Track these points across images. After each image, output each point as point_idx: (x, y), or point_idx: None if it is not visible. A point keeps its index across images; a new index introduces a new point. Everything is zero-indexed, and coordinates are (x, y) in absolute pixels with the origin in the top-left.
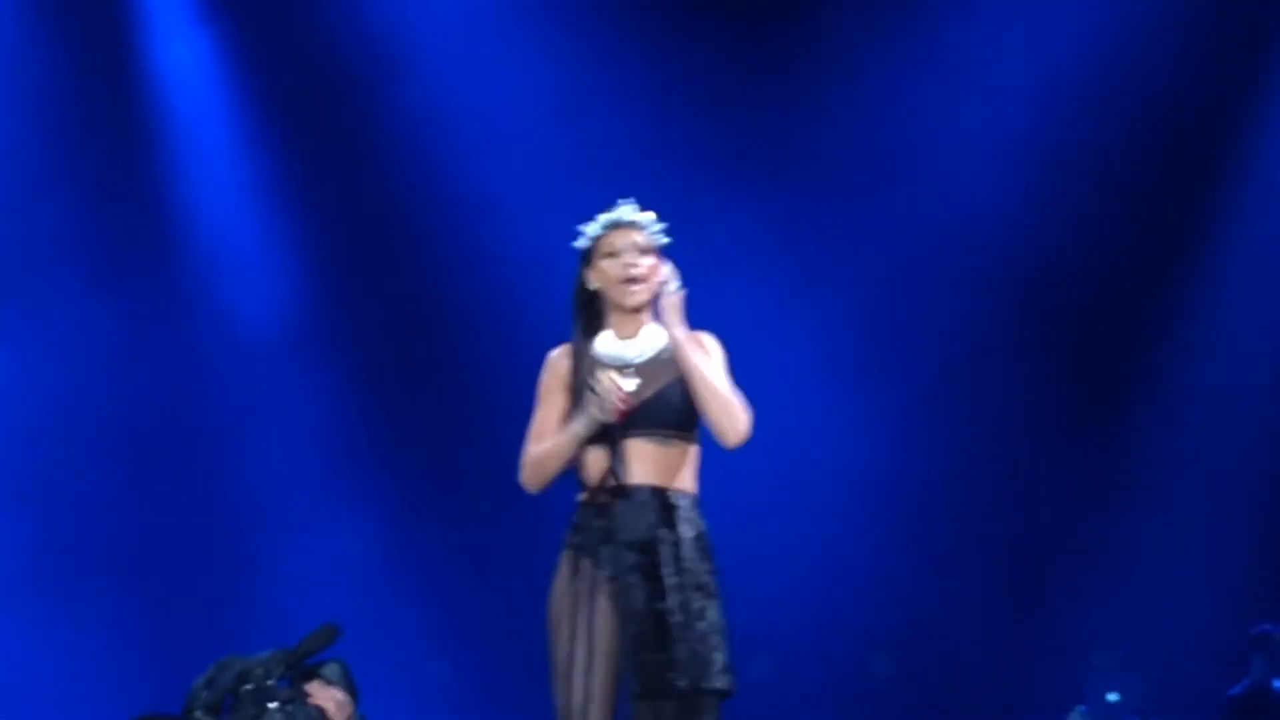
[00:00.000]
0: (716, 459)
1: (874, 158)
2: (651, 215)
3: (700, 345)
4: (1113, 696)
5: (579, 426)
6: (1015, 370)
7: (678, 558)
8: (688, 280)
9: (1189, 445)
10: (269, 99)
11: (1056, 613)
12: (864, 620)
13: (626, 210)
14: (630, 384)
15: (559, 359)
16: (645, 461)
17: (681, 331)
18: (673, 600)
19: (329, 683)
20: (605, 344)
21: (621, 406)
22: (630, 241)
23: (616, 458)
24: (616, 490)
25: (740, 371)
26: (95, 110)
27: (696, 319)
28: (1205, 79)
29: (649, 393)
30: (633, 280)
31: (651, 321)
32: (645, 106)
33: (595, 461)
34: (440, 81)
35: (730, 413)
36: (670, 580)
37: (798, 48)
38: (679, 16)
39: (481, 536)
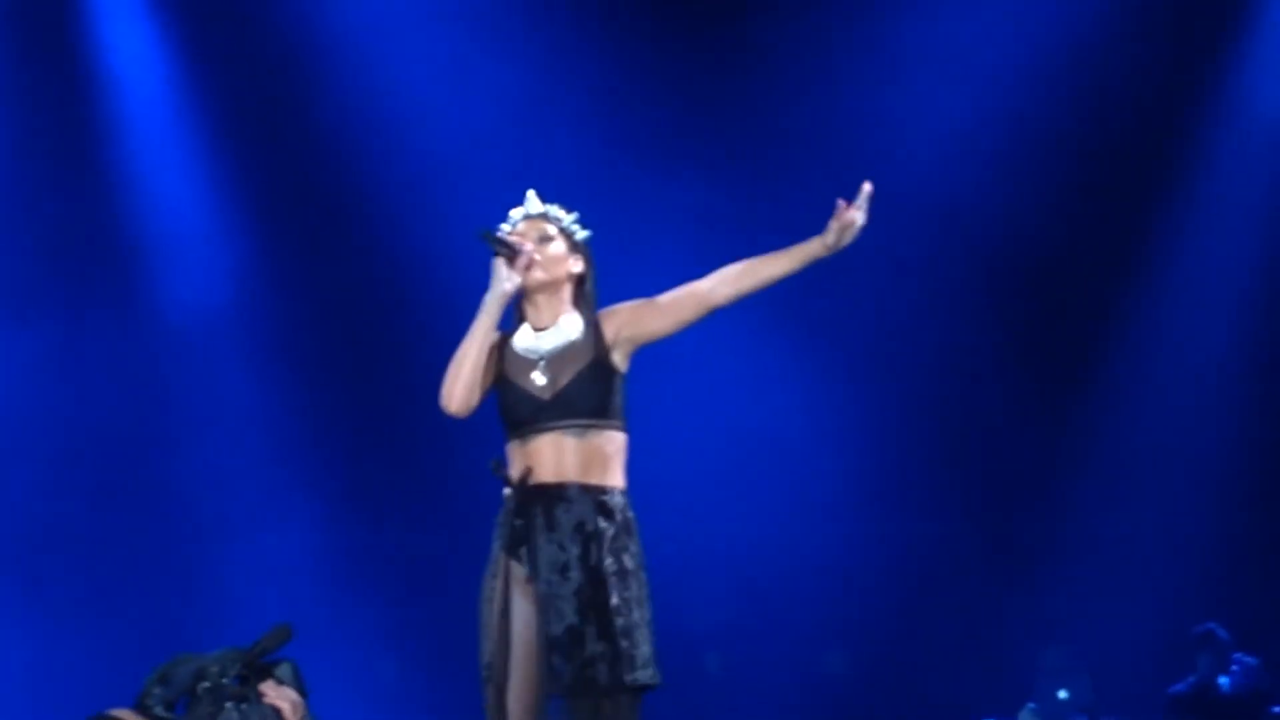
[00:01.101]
0: (669, 455)
1: (827, 146)
2: (548, 206)
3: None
4: (1062, 694)
5: (491, 307)
6: (968, 369)
7: (597, 552)
8: (639, 267)
9: (1138, 444)
10: (213, 93)
11: (1007, 611)
12: (816, 617)
13: (526, 204)
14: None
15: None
16: (564, 455)
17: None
18: (589, 596)
19: (281, 683)
20: (521, 336)
21: (530, 250)
22: (527, 227)
23: (532, 454)
24: (537, 487)
25: (692, 364)
26: (36, 103)
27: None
28: (1163, 71)
29: (564, 382)
30: (527, 260)
31: (569, 313)
32: (596, 92)
33: (518, 458)
34: (384, 74)
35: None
36: (585, 576)
37: (757, 34)
38: (634, 4)
39: (429, 536)
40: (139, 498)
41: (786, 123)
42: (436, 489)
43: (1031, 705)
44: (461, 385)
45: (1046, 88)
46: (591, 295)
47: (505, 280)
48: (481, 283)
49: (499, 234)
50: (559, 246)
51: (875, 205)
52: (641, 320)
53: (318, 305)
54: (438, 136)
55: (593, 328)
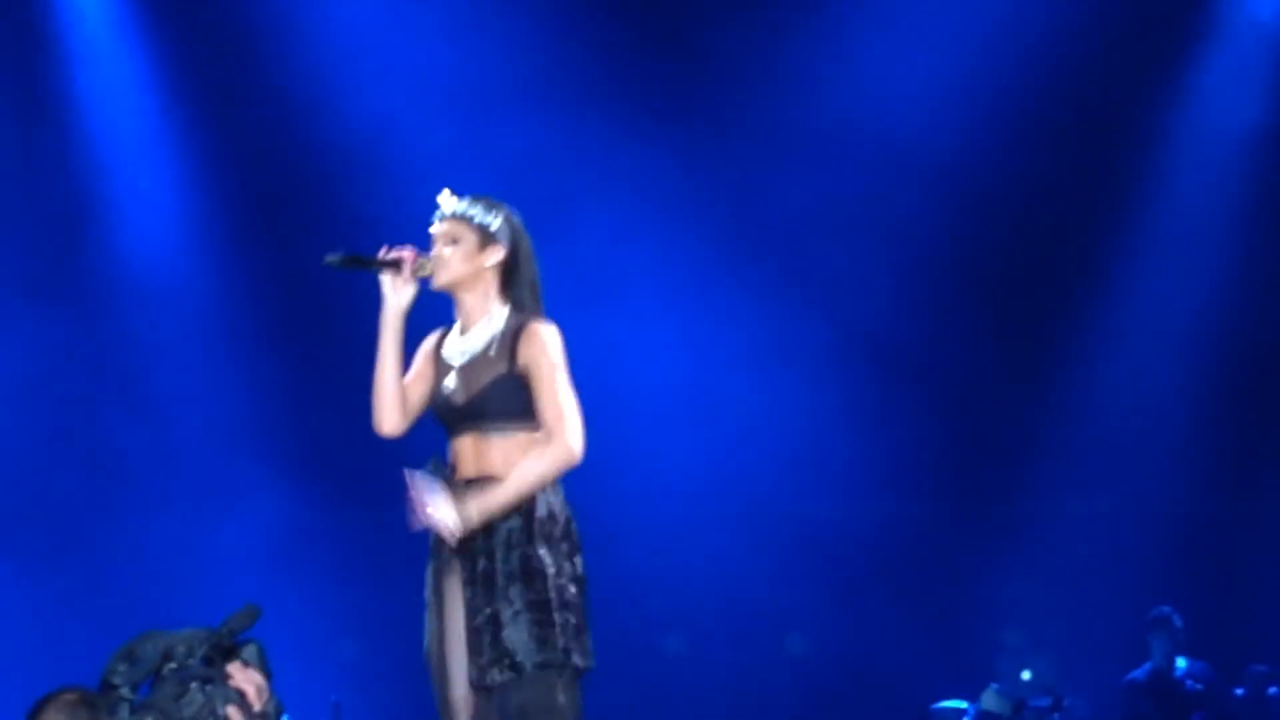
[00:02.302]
0: (630, 439)
1: (786, 125)
2: (453, 201)
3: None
4: (1026, 675)
5: (384, 333)
6: (933, 356)
7: (513, 544)
8: (598, 247)
9: (1098, 429)
10: (170, 72)
11: (969, 592)
12: (778, 599)
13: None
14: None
15: (430, 335)
16: (486, 452)
17: (476, 512)
18: (503, 587)
19: (247, 664)
20: (450, 336)
21: (407, 257)
22: (437, 232)
23: (455, 452)
24: (463, 481)
25: (656, 345)
26: None
27: (607, 287)
28: (1126, 65)
29: (475, 390)
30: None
31: (493, 310)
32: (548, 67)
33: (450, 454)
34: (338, 48)
35: (557, 471)
36: (502, 567)
37: (715, 9)
38: None
39: (390, 515)
40: (100, 476)
41: (741, 97)
42: (399, 468)
43: (995, 686)
44: (384, 411)
45: (1015, 65)
46: (525, 277)
47: (393, 294)
48: None
49: (347, 255)
50: (467, 245)
51: (846, 184)
52: (529, 375)
53: (287, 290)
54: (390, 112)
55: (510, 336)
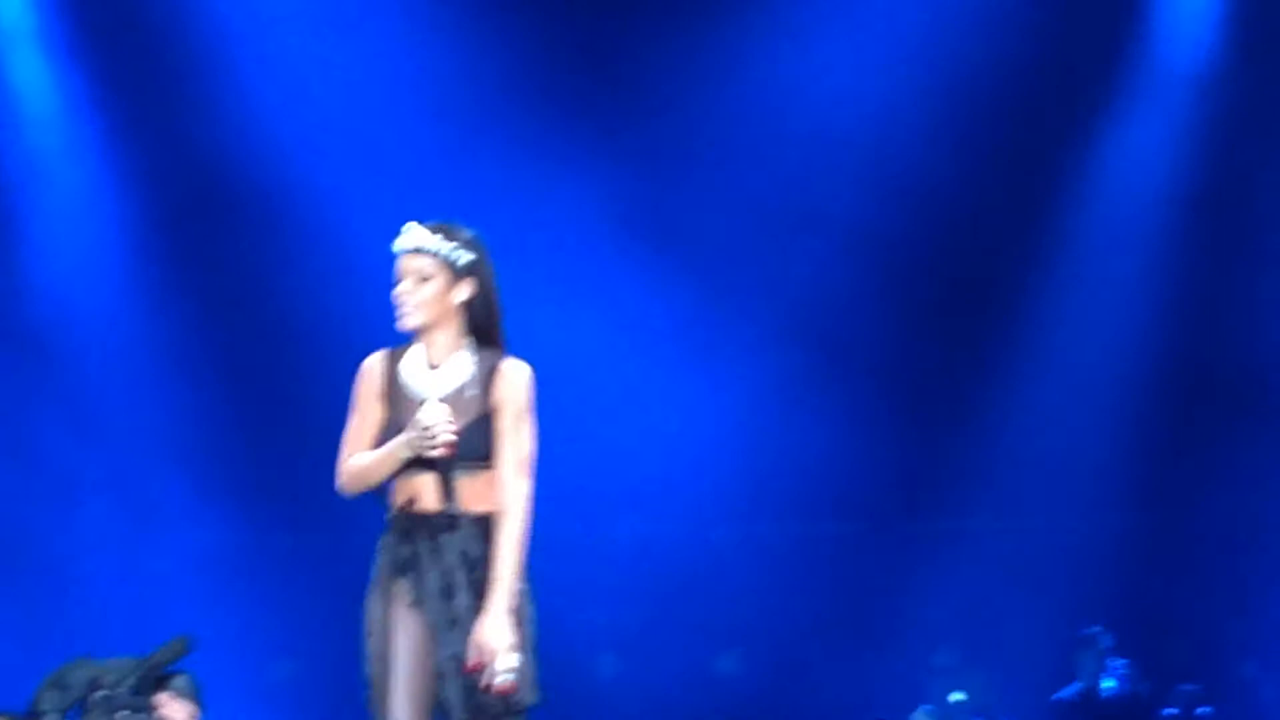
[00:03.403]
0: (563, 457)
1: (731, 125)
2: (422, 236)
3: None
4: (957, 696)
5: (403, 452)
6: (863, 371)
7: (480, 581)
8: (542, 251)
9: (1029, 447)
10: (102, 83)
11: (900, 612)
12: (710, 619)
13: (400, 239)
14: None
15: (371, 366)
16: (455, 492)
17: (502, 616)
18: (472, 623)
19: (178, 695)
20: (410, 369)
21: (451, 438)
22: (404, 267)
23: (446, 489)
24: (421, 515)
25: (591, 364)
26: None
27: (550, 291)
28: (1064, 63)
29: (457, 427)
30: (400, 307)
31: (463, 348)
32: (501, 72)
33: (403, 489)
34: (279, 60)
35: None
36: (469, 603)
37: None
38: None
39: (323, 538)
40: (33, 497)
41: (694, 96)
42: (334, 493)
43: (926, 707)
44: (364, 490)
45: (947, 62)
46: (490, 312)
47: (432, 451)
48: (384, 279)
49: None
50: (436, 284)
51: (790, 182)
52: (497, 414)
53: (221, 313)
54: (324, 131)
55: (486, 375)
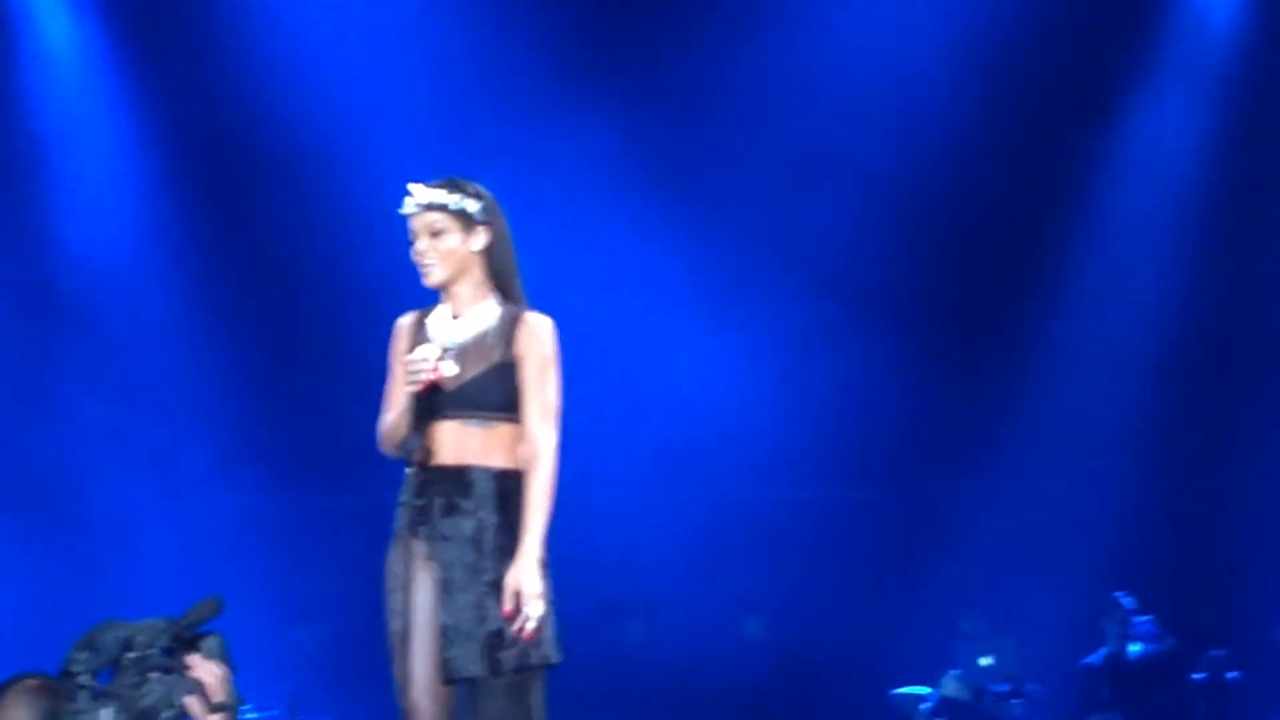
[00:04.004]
0: (592, 427)
1: (745, 97)
2: (430, 193)
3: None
4: (985, 661)
5: (407, 400)
6: (890, 340)
7: (494, 537)
8: (558, 222)
9: (1056, 415)
10: (127, 39)
11: (928, 578)
12: (737, 584)
13: (409, 200)
14: (450, 367)
15: (401, 326)
16: (467, 440)
17: (530, 565)
18: (486, 580)
19: (208, 656)
20: (436, 321)
21: (430, 378)
22: (416, 226)
23: (434, 437)
24: (438, 468)
25: (616, 335)
26: None
27: (567, 259)
28: (1098, 24)
29: (468, 376)
30: (421, 265)
31: (488, 298)
32: (514, 38)
33: (424, 440)
34: (295, 28)
35: (556, 473)
36: (482, 559)
37: None
38: None
39: (354, 501)
40: (56, 460)
41: (714, 48)
42: (363, 455)
43: (954, 672)
44: (394, 447)
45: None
46: (506, 261)
47: (410, 386)
48: (399, 240)
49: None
50: (451, 237)
51: (815, 134)
52: (519, 365)
53: (251, 278)
54: (346, 92)
55: (508, 325)
